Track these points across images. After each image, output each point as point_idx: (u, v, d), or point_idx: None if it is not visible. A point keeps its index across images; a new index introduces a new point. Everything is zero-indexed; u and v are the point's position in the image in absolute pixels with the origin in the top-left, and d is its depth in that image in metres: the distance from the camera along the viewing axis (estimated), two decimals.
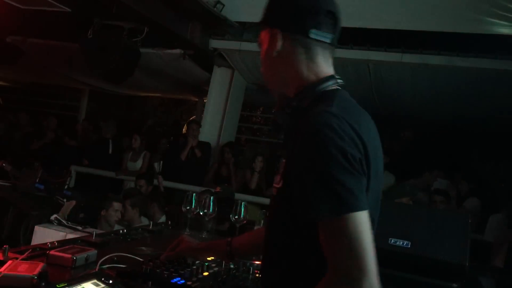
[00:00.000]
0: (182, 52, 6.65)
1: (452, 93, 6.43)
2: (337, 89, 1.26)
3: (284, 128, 1.29)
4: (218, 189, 4.23)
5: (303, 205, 1.12)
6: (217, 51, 6.67)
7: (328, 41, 1.27)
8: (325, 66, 1.28)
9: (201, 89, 8.64)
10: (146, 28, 5.75)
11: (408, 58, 5.77)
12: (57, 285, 1.31)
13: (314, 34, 1.24)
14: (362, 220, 1.06)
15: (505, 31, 5.62)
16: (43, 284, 1.25)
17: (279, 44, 1.26)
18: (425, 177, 6.54)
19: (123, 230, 2.53)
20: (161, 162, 6.51)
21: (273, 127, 1.41)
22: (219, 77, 6.97)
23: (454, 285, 2.09)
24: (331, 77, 1.26)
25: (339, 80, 1.27)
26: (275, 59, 1.28)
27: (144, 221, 4.25)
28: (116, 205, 4.12)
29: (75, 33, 5.95)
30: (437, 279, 2.08)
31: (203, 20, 6.18)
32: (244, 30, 6.99)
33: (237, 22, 6.58)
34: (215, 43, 6.55)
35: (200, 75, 7.47)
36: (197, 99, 10.40)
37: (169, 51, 6.73)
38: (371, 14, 5.64)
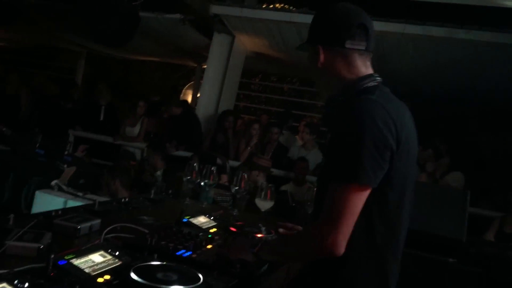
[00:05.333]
0: (182, 17, 6.55)
1: (453, 65, 6.38)
2: (377, 84, 1.50)
3: (332, 119, 1.55)
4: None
5: (328, 168, 1.44)
6: (218, 17, 6.56)
7: (362, 48, 1.52)
8: (363, 67, 1.53)
9: (200, 55, 8.54)
10: None
11: (411, 29, 5.69)
12: (65, 257, 1.33)
13: (349, 44, 1.50)
14: (359, 193, 1.34)
15: (510, 4, 5.54)
16: (52, 256, 1.26)
17: (322, 57, 1.53)
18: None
19: (124, 198, 2.55)
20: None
21: (323, 120, 1.92)
22: (219, 43, 6.85)
23: (451, 259, 2.14)
24: (370, 75, 1.52)
25: (377, 78, 1.52)
26: (321, 69, 1.55)
27: None
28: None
29: None
30: (435, 253, 2.12)
31: None
32: None
33: None
34: (216, 9, 6.41)
35: (200, 40, 7.37)
36: (195, 65, 10.30)
37: (169, 15, 6.62)
38: None
